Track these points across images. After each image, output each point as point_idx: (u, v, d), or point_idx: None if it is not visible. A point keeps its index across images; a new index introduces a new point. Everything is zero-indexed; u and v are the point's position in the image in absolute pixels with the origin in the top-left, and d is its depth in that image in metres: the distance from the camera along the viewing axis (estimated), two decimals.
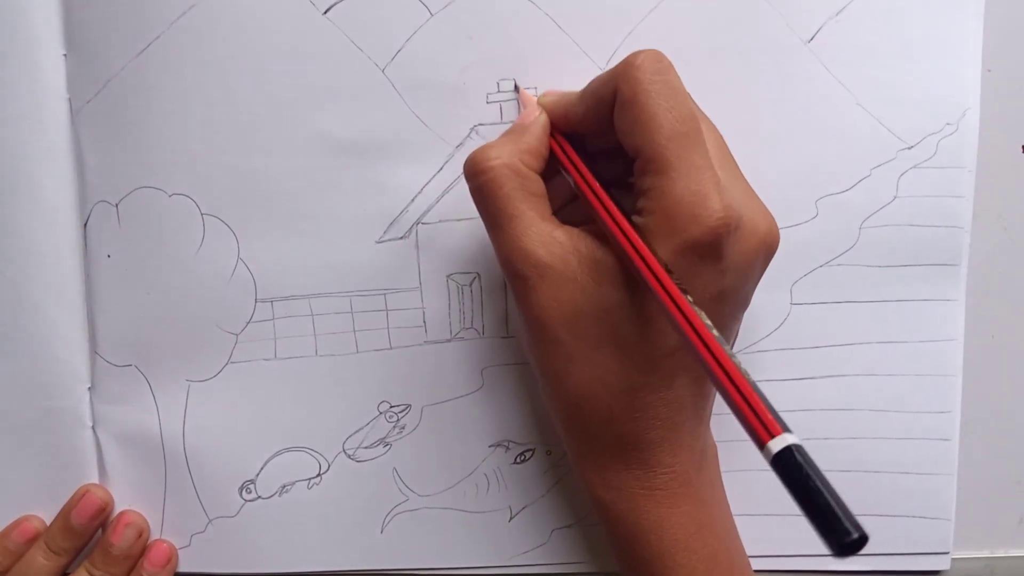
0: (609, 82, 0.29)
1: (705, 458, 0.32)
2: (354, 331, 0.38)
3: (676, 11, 0.36)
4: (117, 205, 0.37)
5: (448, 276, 0.37)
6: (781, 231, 0.36)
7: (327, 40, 0.36)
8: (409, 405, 0.38)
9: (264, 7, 0.36)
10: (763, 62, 0.36)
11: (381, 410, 0.38)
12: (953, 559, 0.39)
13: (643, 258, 0.27)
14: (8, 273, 0.37)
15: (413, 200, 0.37)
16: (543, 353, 0.30)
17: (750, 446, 0.37)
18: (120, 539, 0.37)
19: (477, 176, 0.31)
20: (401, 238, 0.37)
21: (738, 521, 0.36)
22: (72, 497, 0.38)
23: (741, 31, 0.36)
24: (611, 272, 0.29)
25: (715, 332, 0.25)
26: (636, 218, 0.29)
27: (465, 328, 0.38)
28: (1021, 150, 0.38)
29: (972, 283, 0.38)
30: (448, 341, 0.38)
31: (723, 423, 0.34)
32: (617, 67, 0.29)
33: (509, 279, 0.31)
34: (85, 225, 0.38)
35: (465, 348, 0.38)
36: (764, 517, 0.38)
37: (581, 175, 0.31)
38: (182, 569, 0.39)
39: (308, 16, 0.36)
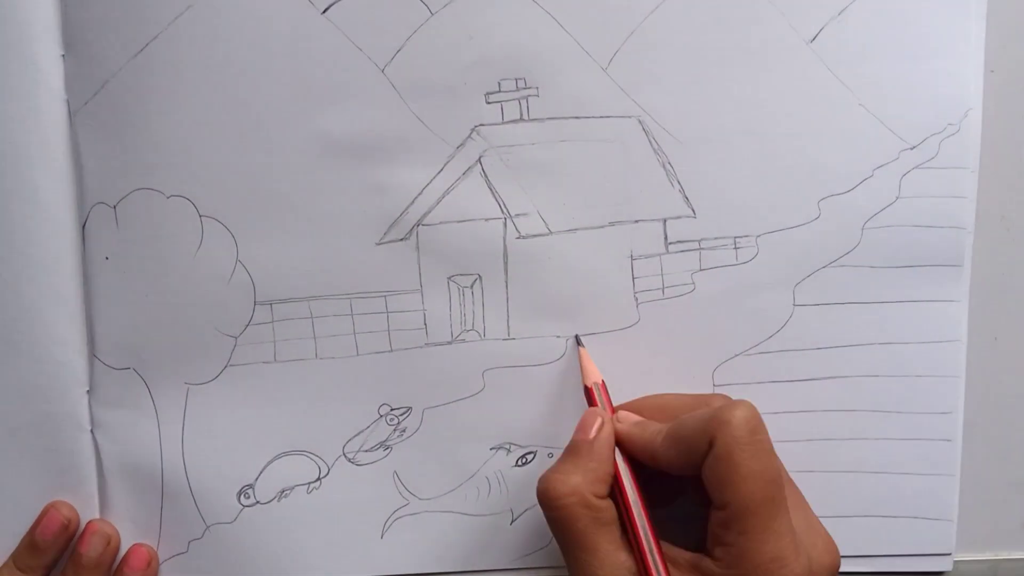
0: (701, 433, 0.31)
1: None
2: (354, 333, 0.37)
3: (678, 11, 0.36)
4: (115, 207, 0.37)
5: (449, 278, 0.37)
6: (785, 232, 0.37)
7: (326, 40, 0.36)
8: (410, 408, 0.38)
9: (262, 7, 0.36)
10: (765, 62, 0.36)
11: (382, 413, 0.38)
12: (957, 561, 0.39)
13: None
14: (6, 275, 0.37)
15: (414, 201, 0.37)
16: None
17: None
18: (88, 548, 0.37)
19: (551, 510, 0.32)
20: (402, 240, 0.37)
21: None
22: (39, 515, 0.38)
23: (743, 31, 0.36)
24: None
25: None
26: (708, 562, 0.30)
27: (466, 330, 0.37)
28: None
29: (975, 284, 0.37)
30: (449, 343, 0.38)
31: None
32: (711, 419, 0.30)
33: None
34: (83, 227, 0.37)
35: (466, 350, 0.38)
36: None
37: (640, 530, 0.32)
38: None
39: (307, 15, 0.36)
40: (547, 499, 0.32)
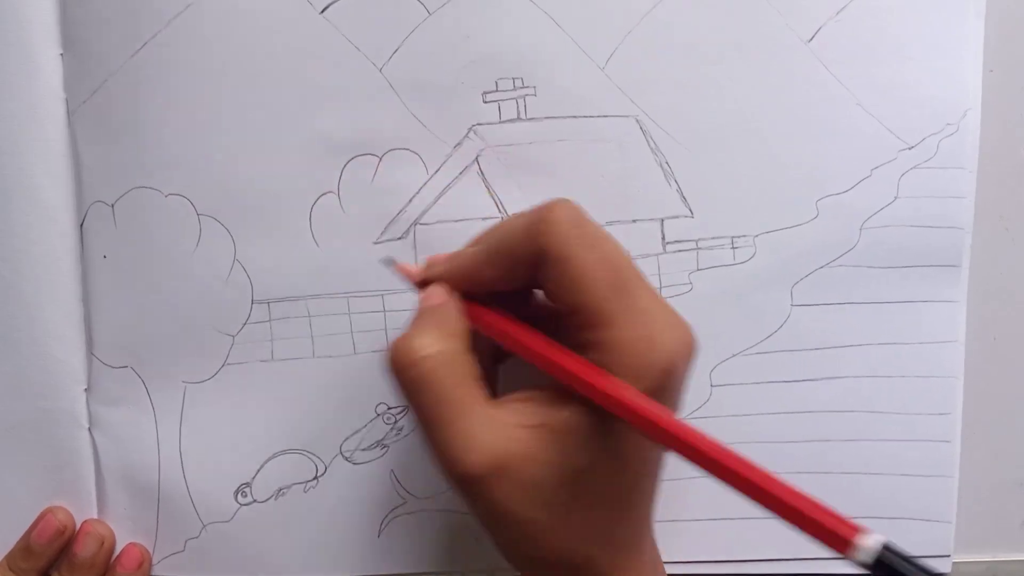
0: (526, 241, 0.28)
1: (653, 559, 0.31)
2: (351, 332, 0.37)
3: (676, 10, 0.36)
4: (113, 205, 0.37)
5: None
6: (782, 232, 0.37)
7: (324, 39, 0.36)
8: (407, 407, 0.38)
9: (261, 6, 0.36)
10: (763, 62, 0.36)
11: (379, 412, 0.38)
12: (955, 563, 0.38)
13: (636, 406, 0.26)
14: (3, 273, 0.37)
15: (411, 201, 0.37)
16: (516, 540, 0.28)
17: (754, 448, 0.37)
18: (81, 548, 0.37)
19: (409, 369, 0.28)
20: (399, 239, 0.37)
21: (742, 525, 0.36)
22: (36, 519, 0.38)
23: (741, 30, 0.36)
24: (568, 433, 0.27)
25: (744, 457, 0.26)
26: None
27: None
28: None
29: (973, 284, 0.37)
30: None
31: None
32: (533, 224, 0.28)
33: (463, 482, 0.27)
34: (81, 225, 0.37)
35: None
36: (764, 520, 0.38)
37: (520, 343, 0.29)
38: (176, 575, 0.38)
39: (305, 15, 0.36)
40: (402, 356, 0.28)
